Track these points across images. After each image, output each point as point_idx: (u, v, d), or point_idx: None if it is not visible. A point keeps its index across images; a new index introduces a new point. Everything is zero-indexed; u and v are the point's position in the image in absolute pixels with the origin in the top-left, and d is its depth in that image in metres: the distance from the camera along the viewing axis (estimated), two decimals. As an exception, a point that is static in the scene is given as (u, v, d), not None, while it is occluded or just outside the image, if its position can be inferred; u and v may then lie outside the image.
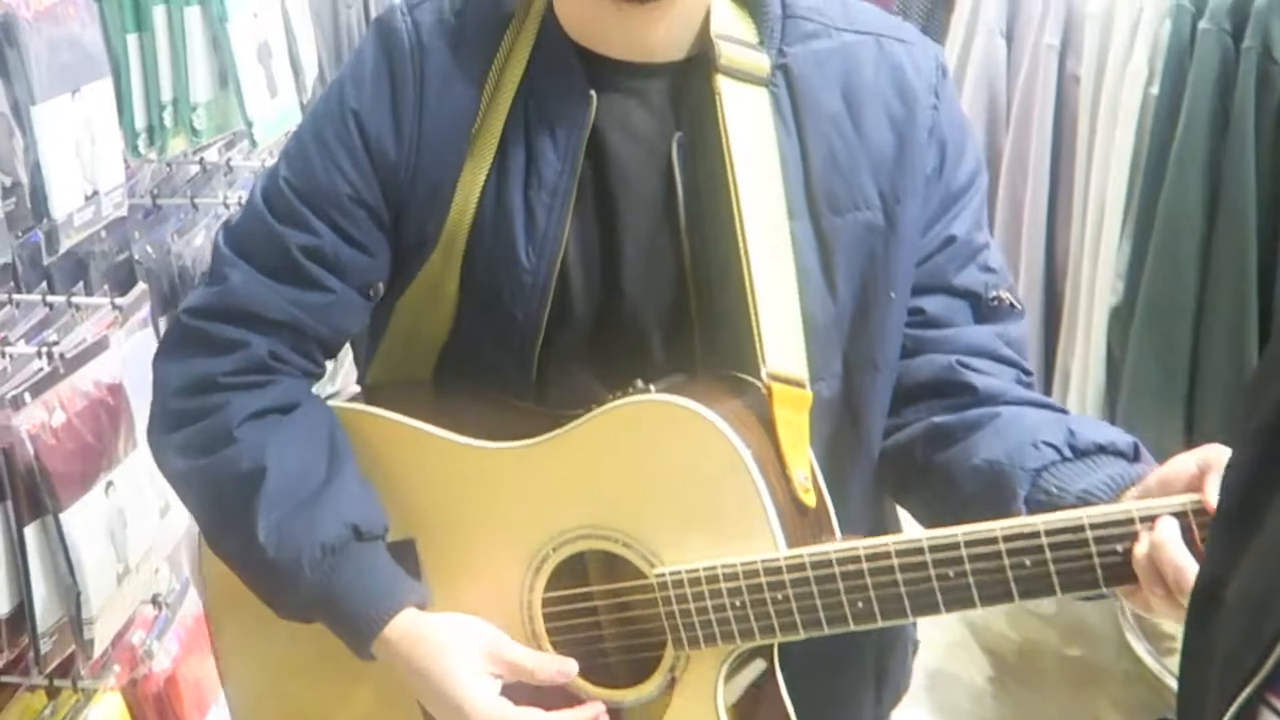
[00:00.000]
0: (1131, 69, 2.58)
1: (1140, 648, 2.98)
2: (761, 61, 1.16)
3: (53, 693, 1.61)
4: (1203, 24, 2.43)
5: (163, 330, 1.80)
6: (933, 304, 1.23)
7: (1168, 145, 2.48)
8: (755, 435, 1.12)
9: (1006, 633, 3.09)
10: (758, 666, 1.17)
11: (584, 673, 1.18)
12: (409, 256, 1.22)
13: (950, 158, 1.21)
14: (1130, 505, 0.98)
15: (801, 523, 1.12)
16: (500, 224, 1.18)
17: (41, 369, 1.47)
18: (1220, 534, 0.75)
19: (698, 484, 1.11)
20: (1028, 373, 1.25)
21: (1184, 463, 0.99)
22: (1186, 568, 0.94)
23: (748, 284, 1.13)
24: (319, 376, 1.29)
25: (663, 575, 1.12)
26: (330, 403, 1.28)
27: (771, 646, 1.15)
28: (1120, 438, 1.12)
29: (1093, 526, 0.98)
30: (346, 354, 1.47)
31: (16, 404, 1.42)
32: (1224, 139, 2.40)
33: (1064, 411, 1.20)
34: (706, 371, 1.19)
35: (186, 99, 1.81)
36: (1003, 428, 1.15)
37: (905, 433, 1.23)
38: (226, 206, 1.96)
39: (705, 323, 1.19)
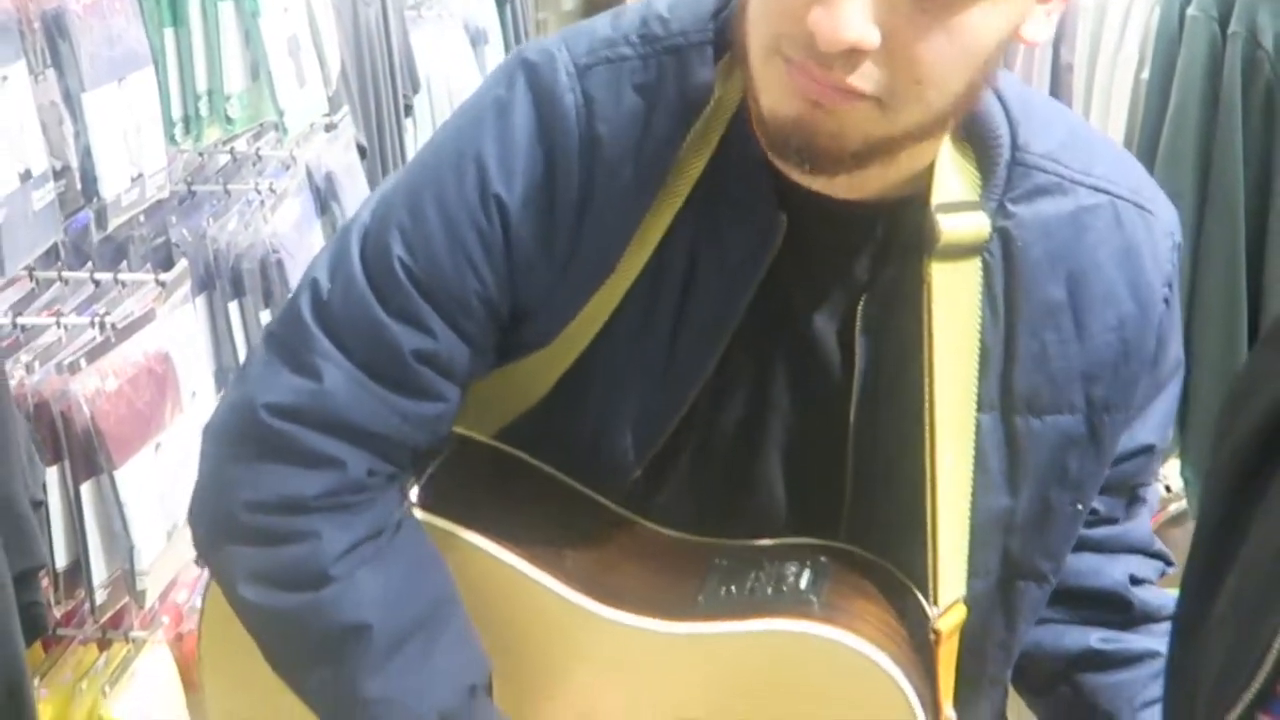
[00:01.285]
0: (1123, 56, 2.68)
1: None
2: (980, 226, 0.95)
3: (104, 645, 1.71)
4: (1190, 10, 2.52)
5: (199, 309, 1.90)
6: (1103, 503, 1.08)
7: (1159, 129, 2.58)
8: (919, 677, 0.98)
9: None
10: None
11: None
12: (508, 349, 1.02)
13: (1163, 357, 1.04)
14: None
15: None
16: (634, 348, 0.99)
17: (95, 338, 1.58)
18: (1202, 554, 0.72)
19: None
20: (1170, 563, 1.14)
21: None
22: None
23: (929, 506, 0.97)
24: (408, 480, 1.06)
25: None
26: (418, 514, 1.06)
27: None
28: None
29: None
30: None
31: (73, 370, 1.52)
32: (1213, 122, 2.49)
33: None
34: (866, 561, 1.02)
35: (221, 90, 1.92)
36: (1157, 674, 1.06)
37: (1062, 647, 1.12)
38: (258, 192, 2.06)
39: (856, 522, 1.03)
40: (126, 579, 1.60)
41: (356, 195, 2.33)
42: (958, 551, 0.99)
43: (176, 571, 1.70)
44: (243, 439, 0.98)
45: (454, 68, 3.17)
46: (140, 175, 1.68)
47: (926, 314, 0.94)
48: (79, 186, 1.62)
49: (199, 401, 1.75)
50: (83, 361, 1.53)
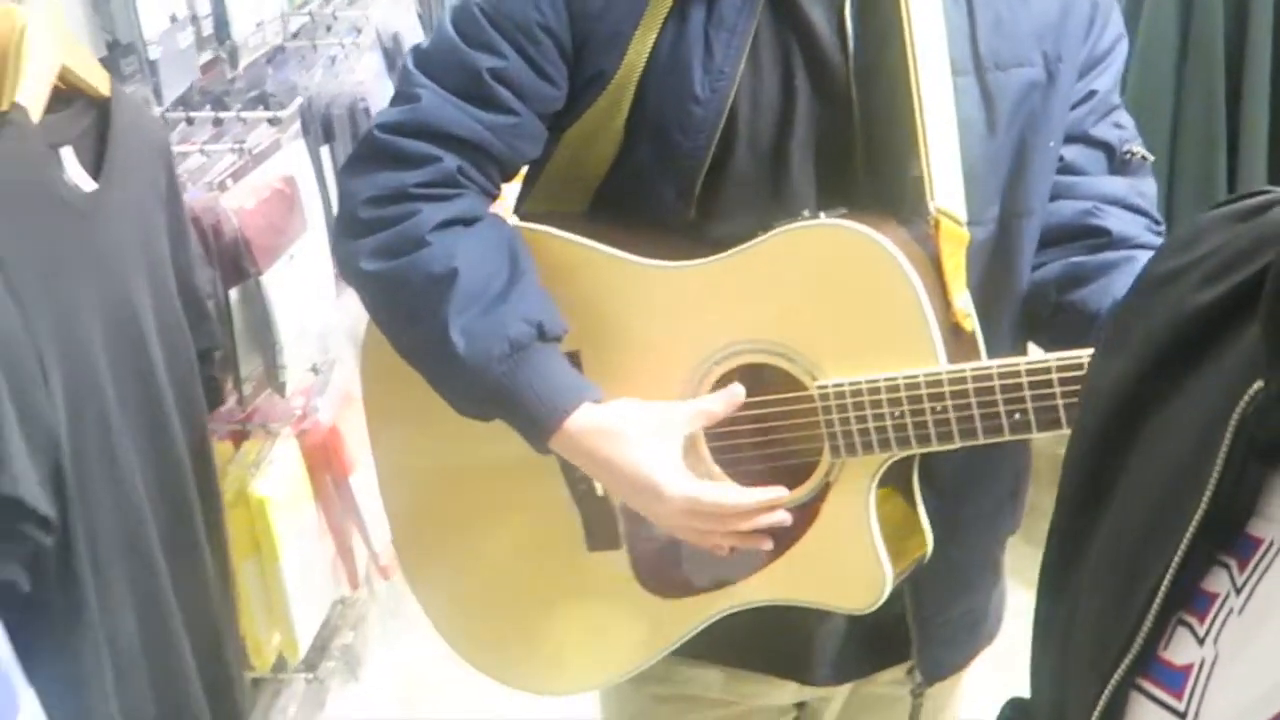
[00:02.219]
0: None
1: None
2: None
3: (240, 438, 1.96)
4: None
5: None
6: (1071, 152, 1.27)
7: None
8: (920, 262, 1.16)
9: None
10: (901, 474, 1.21)
11: (741, 480, 1.22)
12: (583, 90, 1.24)
13: (1098, 21, 1.26)
14: None
15: (958, 346, 1.17)
16: (678, 58, 1.20)
17: (234, 162, 1.81)
18: (1068, 504, 0.70)
19: (865, 303, 1.16)
20: (1158, 223, 1.28)
21: None
22: None
23: (919, 128, 1.16)
24: (495, 198, 1.30)
25: (824, 387, 1.16)
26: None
27: (912, 464, 1.21)
28: None
29: None
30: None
31: (222, 188, 1.76)
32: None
33: None
34: (870, 209, 1.21)
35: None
36: (1119, 272, 1.20)
37: (1041, 272, 1.26)
38: (342, 46, 2.28)
39: (871, 168, 1.22)
40: (271, 373, 1.84)
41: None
42: (956, 190, 1.18)
43: (301, 372, 1.94)
44: (360, 157, 1.26)
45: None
46: (262, 22, 1.90)
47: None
48: (211, 31, 1.84)
49: (315, 224, 1.98)
50: (229, 181, 1.77)
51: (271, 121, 1.97)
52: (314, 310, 1.93)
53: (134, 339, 1.44)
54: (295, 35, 2.36)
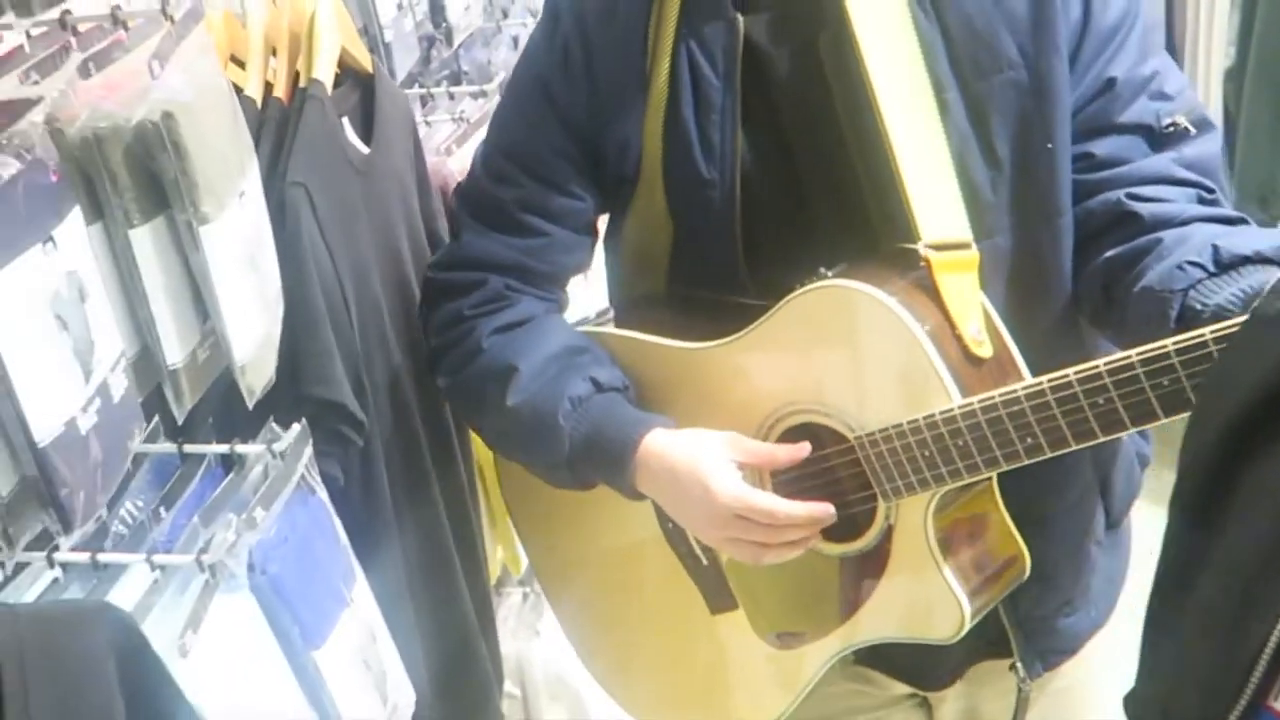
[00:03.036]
0: None
1: None
2: None
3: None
4: None
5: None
6: (1101, 146, 1.25)
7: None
8: (922, 304, 1.20)
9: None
10: (976, 495, 1.26)
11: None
12: (617, 192, 1.37)
13: (1095, 3, 1.24)
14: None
15: (978, 372, 1.19)
16: (682, 152, 1.29)
17: (454, 131, 2.05)
18: (1173, 553, 0.69)
19: (875, 354, 1.21)
20: (1210, 190, 1.25)
21: None
22: None
23: (893, 163, 1.20)
24: (554, 302, 1.45)
25: (860, 437, 1.23)
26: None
27: (990, 482, 1.24)
28: (1268, 243, 1.11)
29: (1215, 340, 0.98)
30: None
31: (448, 153, 2.00)
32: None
33: (1238, 220, 1.20)
34: (879, 252, 1.26)
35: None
36: (1163, 252, 1.16)
37: (1086, 272, 1.26)
38: (524, 24, 2.51)
39: (875, 204, 1.27)
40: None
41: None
42: (952, 212, 1.22)
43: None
44: (425, 298, 1.49)
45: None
46: (469, 5, 2.14)
47: (850, 27, 1.20)
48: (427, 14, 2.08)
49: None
50: (453, 146, 2.01)
51: (474, 96, 2.21)
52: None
53: (400, 278, 1.69)
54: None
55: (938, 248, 1.21)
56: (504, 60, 2.49)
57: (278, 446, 1.33)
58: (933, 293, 1.21)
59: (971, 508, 1.27)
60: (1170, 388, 1.02)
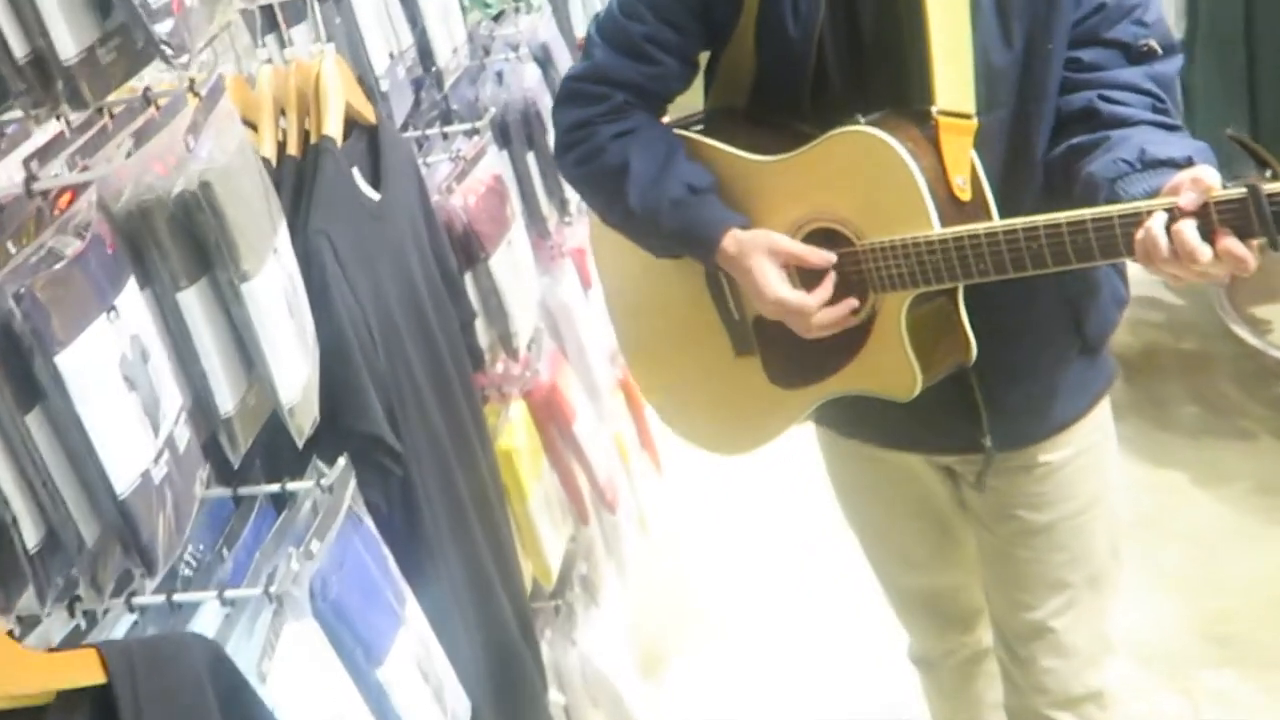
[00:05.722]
0: None
1: (1241, 331, 3.60)
2: None
3: (482, 402, 2.29)
4: None
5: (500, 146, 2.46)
6: (1088, 54, 1.58)
7: None
8: (925, 154, 1.55)
9: (1128, 339, 3.72)
10: (941, 303, 1.62)
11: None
12: (720, 32, 1.72)
13: None
14: (1144, 204, 1.40)
15: (959, 212, 1.55)
16: (775, 9, 1.64)
17: (453, 169, 2.14)
18: None
19: (884, 187, 1.56)
20: (1161, 100, 1.57)
21: (1185, 175, 1.39)
22: (1161, 245, 1.35)
23: (928, 44, 1.55)
24: (661, 116, 1.81)
25: (865, 244, 1.61)
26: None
27: (958, 288, 1.59)
28: (1181, 152, 1.45)
29: (1120, 216, 1.40)
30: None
31: (449, 190, 2.09)
32: None
33: (1176, 129, 1.54)
34: (905, 109, 1.60)
35: (477, -20, 2.46)
36: (1109, 147, 1.50)
37: (1052, 153, 1.60)
38: (507, 60, 2.61)
39: (913, 71, 1.59)
40: (505, 340, 2.18)
41: (564, 63, 2.86)
42: (963, 85, 1.55)
43: (529, 335, 2.27)
44: (560, 99, 1.80)
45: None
46: (456, 47, 2.23)
47: None
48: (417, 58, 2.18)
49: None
50: (454, 184, 2.10)
51: (468, 133, 2.31)
52: (530, 284, 2.27)
53: (418, 311, 1.78)
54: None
55: (946, 113, 1.55)
56: (491, 96, 2.59)
57: (325, 481, 1.42)
58: (935, 146, 1.55)
59: (939, 310, 1.62)
60: (1082, 242, 1.43)
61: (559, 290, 2.62)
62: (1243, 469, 3.24)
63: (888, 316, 1.62)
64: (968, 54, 1.56)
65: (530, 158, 2.60)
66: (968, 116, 1.56)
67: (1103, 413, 1.84)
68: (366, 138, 1.78)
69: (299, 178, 1.61)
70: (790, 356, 1.74)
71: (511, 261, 2.19)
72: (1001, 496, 1.82)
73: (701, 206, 1.69)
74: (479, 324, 2.15)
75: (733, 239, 1.66)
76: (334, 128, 1.64)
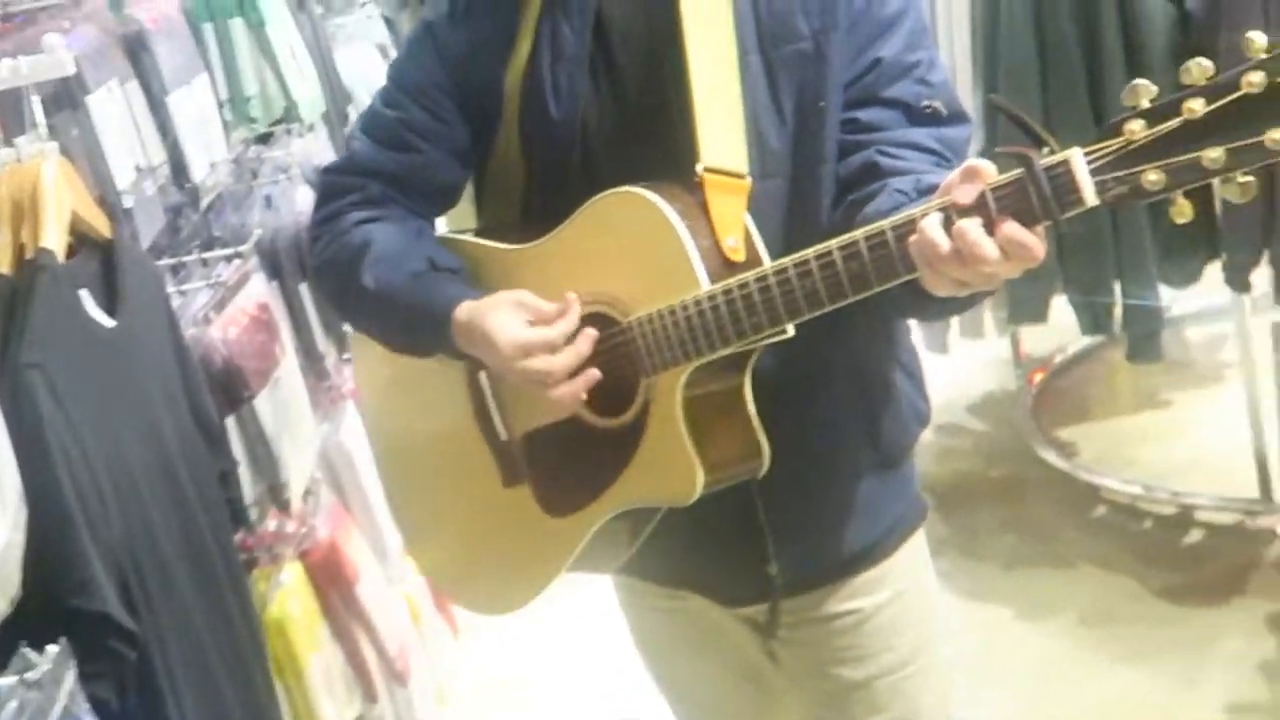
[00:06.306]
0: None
1: (1049, 455, 3.55)
2: None
3: (248, 567, 2.00)
4: None
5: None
6: (866, 114, 1.48)
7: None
8: (693, 215, 1.42)
9: (936, 470, 3.64)
10: (727, 386, 1.46)
11: (590, 402, 1.47)
12: (484, 131, 1.57)
13: None
14: (917, 210, 1.27)
15: (730, 272, 1.40)
16: (536, 92, 1.52)
17: (211, 297, 1.88)
18: None
19: (647, 250, 1.43)
20: (948, 160, 1.47)
21: (956, 172, 1.29)
22: (940, 244, 1.23)
23: (690, 91, 1.45)
24: (422, 219, 1.64)
25: (630, 321, 1.44)
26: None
27: (743, 371, 1.45)
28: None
29: (893, 228, 1.28)
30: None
31: (206, 321, 1.83)
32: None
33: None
34: (676, 175, 1.47)
35: (241, 94, 2.23)
36: (888, 189, 1.41)
37: (838, 213, 1.48)
38: (276, 182, 2.37)
39: (678, 130, 1.47)
40: (275, 491, 1.90)
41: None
42: (734, 147, 1.44)
43: (303, 490, 2.00)
44: (319, 195, 1.64)
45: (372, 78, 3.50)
46: (215, 163, 1.99)
47: (678, 6, 1.45)
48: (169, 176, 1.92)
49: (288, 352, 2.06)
50: (211, 314, 1.84)
51: (229, 259, 2.05)
52: (304, 428, 2.00)
53: (164, 462, 1.50)
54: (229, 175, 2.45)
55: (714, 170, 1.43)
56: (259, 220, 2.34)
57: (31, 676, 1.13)
58: (703, 206, 1.43)
59: (722, 397, 1.46)
60: (858, 268, 1.31)
61: (340, 435, 2.35)
62: (1064, 600, 3.14)
63: (662, 404, 1.45)
64: (738, 112, 1.46)
65: (303, 288, 2.35)
66: (739, 176, 1.45)
67: (916, 554, 1.65)
68: (100, 256, 1.51)
69: (10, 299, 1.33)
70: (562, 477, 1.55)
71: (281, 401, 1.92)
72: (811, 650, 1.61)
73: (440, 281, 1.53)
74: (243, 474, 1.87)
75: (465, 308, 1.49)
76: (53, 240, 1.37)
